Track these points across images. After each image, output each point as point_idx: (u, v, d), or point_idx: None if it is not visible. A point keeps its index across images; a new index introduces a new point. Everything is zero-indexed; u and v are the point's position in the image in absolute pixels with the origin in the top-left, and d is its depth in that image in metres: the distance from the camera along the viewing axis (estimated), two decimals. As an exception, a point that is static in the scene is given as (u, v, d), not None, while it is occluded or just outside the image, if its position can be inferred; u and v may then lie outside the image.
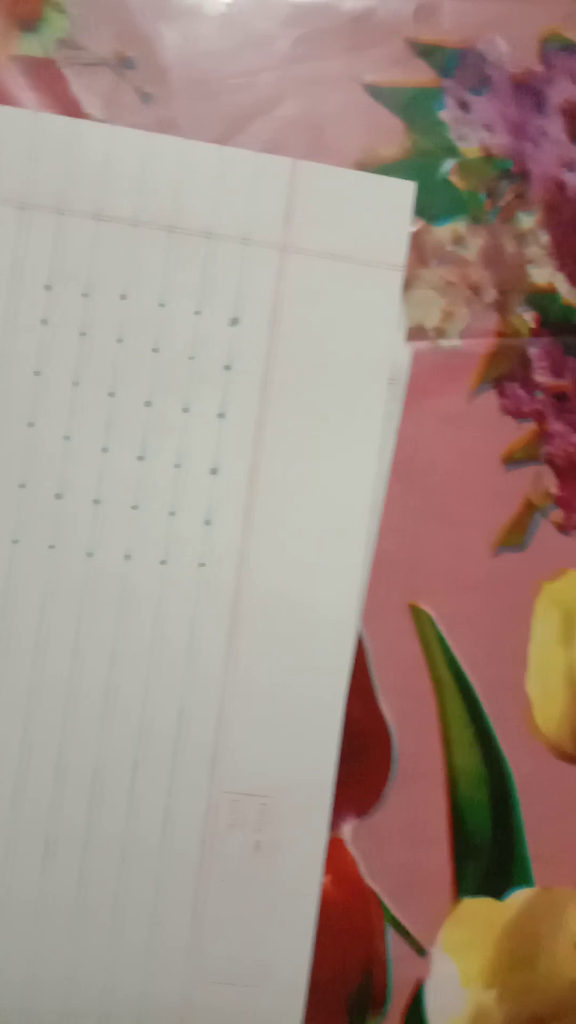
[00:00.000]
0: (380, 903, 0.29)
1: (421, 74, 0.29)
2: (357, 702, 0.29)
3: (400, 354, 0.29)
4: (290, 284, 0.27)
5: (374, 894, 0.29)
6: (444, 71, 0.29)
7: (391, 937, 0.29)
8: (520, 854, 0.29)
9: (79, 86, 0.28)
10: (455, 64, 0.29)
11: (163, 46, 0.29)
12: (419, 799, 0.29)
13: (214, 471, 0.27)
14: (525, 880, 0.29)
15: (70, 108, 0.28)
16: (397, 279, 0.28)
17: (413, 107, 0.29)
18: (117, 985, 0.26)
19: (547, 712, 0.29)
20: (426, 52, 0.29)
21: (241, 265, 0.27)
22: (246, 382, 0.27)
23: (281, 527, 0.27)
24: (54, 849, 0.26)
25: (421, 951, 0.29)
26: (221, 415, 0.27)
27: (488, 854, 0.29)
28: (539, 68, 0.30)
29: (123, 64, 0.28)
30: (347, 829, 0.29)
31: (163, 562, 0.27)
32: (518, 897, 0.29)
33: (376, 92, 0.29)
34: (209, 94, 0.29)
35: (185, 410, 0.27)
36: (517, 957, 0.29)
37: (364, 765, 0.29)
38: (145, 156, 0.27)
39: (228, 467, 0.27)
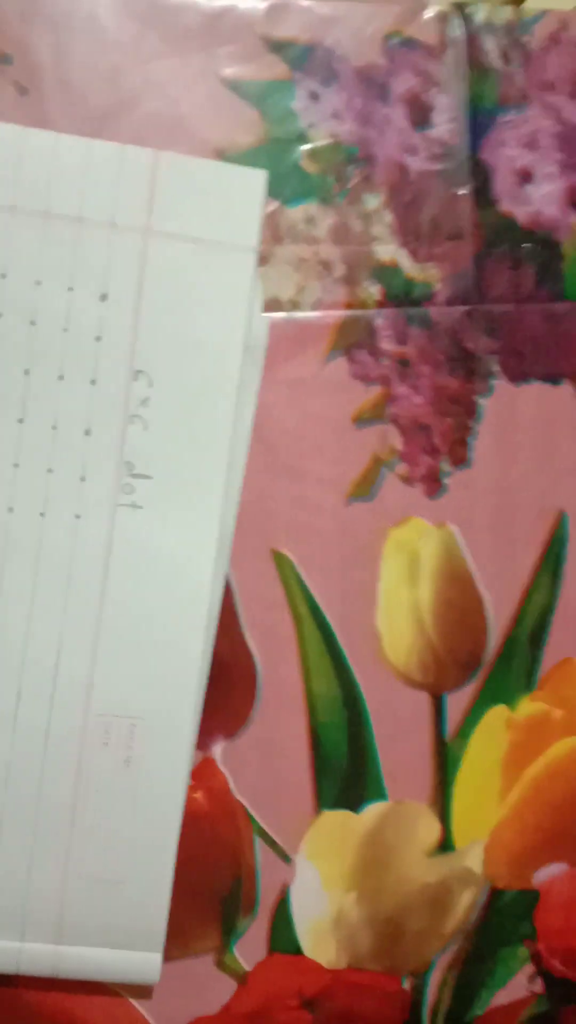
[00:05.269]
0: (248, 815, 0.32)
1: (274, 68, 0.32)
2: (225, 638, 0.32)
3: (257, 324, 0.32)
4: (153, 264, 0.30)
5: (243, 807, 0.32)
6: (295, 65, 0.32)
7: (259, 846, 0.32)
8: (373, 771, 0.33)
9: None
10: (305, 59, 0.32)
11: (36, 45, 0.31)
12: (282, 722, 0.32)
13: (87, 432, 0.30)
14: (379, 794, 0.33)
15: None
16: (250, 260, 0.31)
17: (267, 98, 0.32)
18: (3, 884, 0.30)
19: (395, 644, 0.33)
20: (278, 48, 0.32)
21: (109, 247, 0.30)
22: (115, 351, 0.30)
23: (149, 484, 0.31)
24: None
25: (286, 858, 0.33)
26: (93, 382, 0.30)
27: (344, 771, 0.33)
28: (382, 61, 0.32)
29: (1, 60, 0.31)
30: (217, 749, 0.32)
31: (42, 514, 0.30)
32: (373, 810, 0.33)
33: (233, 85, 0.32)
34: (78, 91, 0.31)
35: (60, 378, 0.30)
36: (373, 864, 0.33)
37: (232, 692, 0.32)
38: (21, 149, 0.30)
39: (99, 428, 0.31)
